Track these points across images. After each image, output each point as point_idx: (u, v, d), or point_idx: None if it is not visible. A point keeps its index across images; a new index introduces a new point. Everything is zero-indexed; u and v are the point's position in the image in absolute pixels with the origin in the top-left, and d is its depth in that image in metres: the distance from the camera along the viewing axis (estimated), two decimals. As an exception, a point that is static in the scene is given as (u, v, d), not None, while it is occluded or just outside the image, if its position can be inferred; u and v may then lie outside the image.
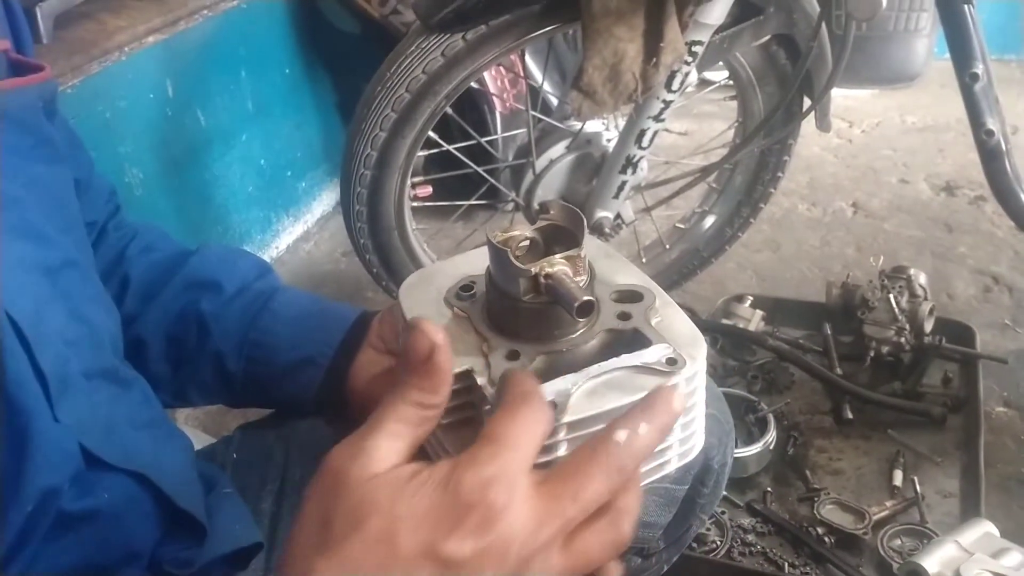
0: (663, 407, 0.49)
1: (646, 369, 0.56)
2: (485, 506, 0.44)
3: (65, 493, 0.59)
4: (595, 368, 0.55)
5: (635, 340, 0.59)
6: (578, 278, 0.56)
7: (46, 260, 0.65)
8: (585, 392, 0.54)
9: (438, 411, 0.50)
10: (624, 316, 0.60)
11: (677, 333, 0.59)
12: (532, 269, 0.55)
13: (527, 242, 0.60)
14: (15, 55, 0.70)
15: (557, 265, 0.55)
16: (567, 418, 0.53)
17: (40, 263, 0.64)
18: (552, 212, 0.60)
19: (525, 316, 0.57)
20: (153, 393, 0.77)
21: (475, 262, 0.64)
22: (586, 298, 0.54)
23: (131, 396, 0.72)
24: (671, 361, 0.56)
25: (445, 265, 0.66)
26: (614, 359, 0.55)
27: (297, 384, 0.83)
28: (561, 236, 0.59)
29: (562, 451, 0.54)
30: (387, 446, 0.48)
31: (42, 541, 0.58)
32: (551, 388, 0.53)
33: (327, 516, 0.46)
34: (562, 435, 0.54)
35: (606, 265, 0.63)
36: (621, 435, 0.48)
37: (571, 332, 0.58)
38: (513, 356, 0.56)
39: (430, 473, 0.46)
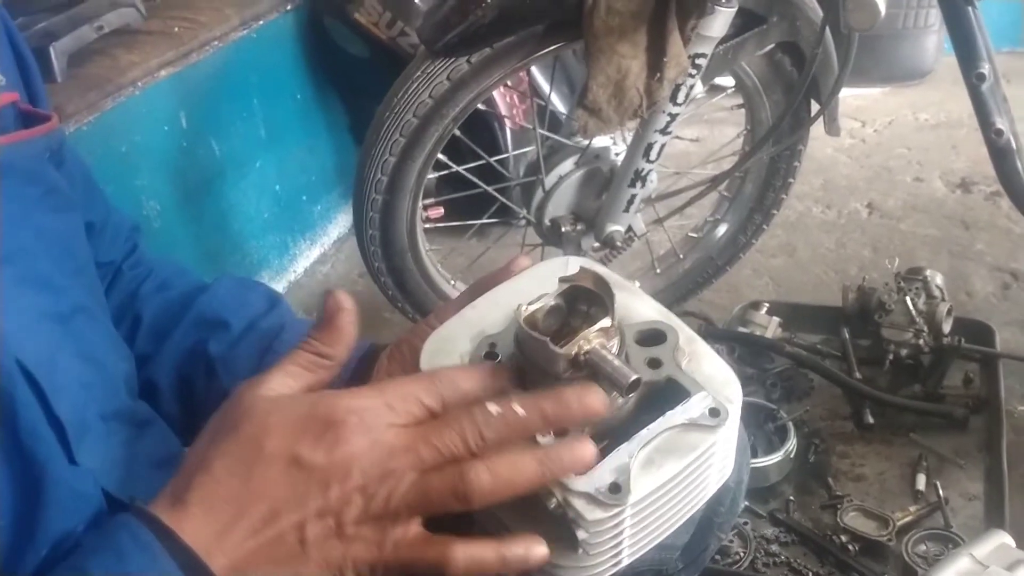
0: (554, 401, 0.54)
1: (692, 426, 0.57)
2: (341, 427, 0.53)
3: (83, 536, 0.60)
4: (644, 433, 0.56)
5: (670, 390, 0.59)
6: (613, 349, 0.57)
7: (57, 308, 0.66)
8: (640, 464, 0.55)
9: (332, 364, 0.59)
10: (654, 363, 0.60)
11: (709, 376, 0.59)
12: (571, 351, 0.55)
13: (551, 307, 0.60)
14: (24, 106, 0.72)
15: (593, 340, 0.56)
16: (632, 498, 0.54)
17: (51, 311, 0.65)
18: (576, 274, 0.60)
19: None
20: (170, 430, 0.78)
21: (489, 316, 0.64)
22: (634, 377, 0.55)
23: (149, 435, 0.73)
24: (714, 412, 0.57)
25: (459, 325, 0.64)
26: (660, 420, 0.57)
27: None
28: (583, 296, 0.60)
29: (628, 536, 0.56)
30: (280, 380, 0.57)
31: None
32: (611, 467, 0.55)
33: (216, 425, 0.56)
34: (627, 516, 0.55)
35: (619, 299, 0.63)
36: (494, 407, 0.54)
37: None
38: (561, 432, 0.56)
39: (309, 396, 0.56)
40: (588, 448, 0.54)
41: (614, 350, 0.57)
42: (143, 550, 0.50)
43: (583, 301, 0.60)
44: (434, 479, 0.54)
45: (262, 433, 0.53)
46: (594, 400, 0.55)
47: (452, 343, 0.63)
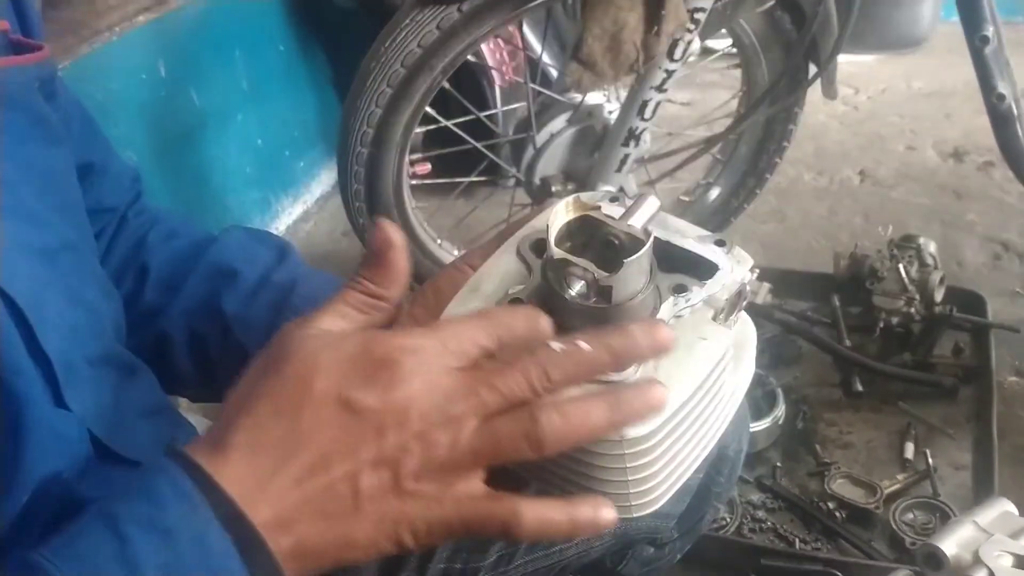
0: (624, 338, 0.50)
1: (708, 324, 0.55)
2: (396, 367, 0.48)
3: (75, 481, 0.58)
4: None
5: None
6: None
7: (43, 242, 0.63)
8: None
9: (387, 305, 0.55)
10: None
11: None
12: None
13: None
14: (15, 36, 0.69)
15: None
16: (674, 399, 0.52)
17: (37, 245, 0.62)
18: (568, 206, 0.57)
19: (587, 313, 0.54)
20: (157, 381, 0.75)
21: (506, 268, 0.60)
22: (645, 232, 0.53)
23: (136, 383, 0.71)
24: (719, 242, 0.57)
25: (482, 280, 0.60)
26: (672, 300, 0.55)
27: None
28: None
29: (669, 455, 0.54)
30: (331, 321, 0.53)
31: (49, 529, 0.55)
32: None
33: (260, 364, 0.51)
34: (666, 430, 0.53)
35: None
36: (557, 344, 0.50)
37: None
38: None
39: (358, 333, 0.51)
40: (660, 392, 0.50)
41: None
42: (181, 499, 0.46)
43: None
44: (502, 424, 0.49)
45: (310, 372, 0.48)
46: (662, 334, 0.51)
47: (474, 294, 0.59)
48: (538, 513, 0.50)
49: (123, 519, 0.46)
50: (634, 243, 0.53)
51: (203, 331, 0.80)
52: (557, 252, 0.53)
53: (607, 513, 0.51)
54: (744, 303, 0.57)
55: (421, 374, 0.48)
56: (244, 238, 0.86)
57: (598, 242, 0.55)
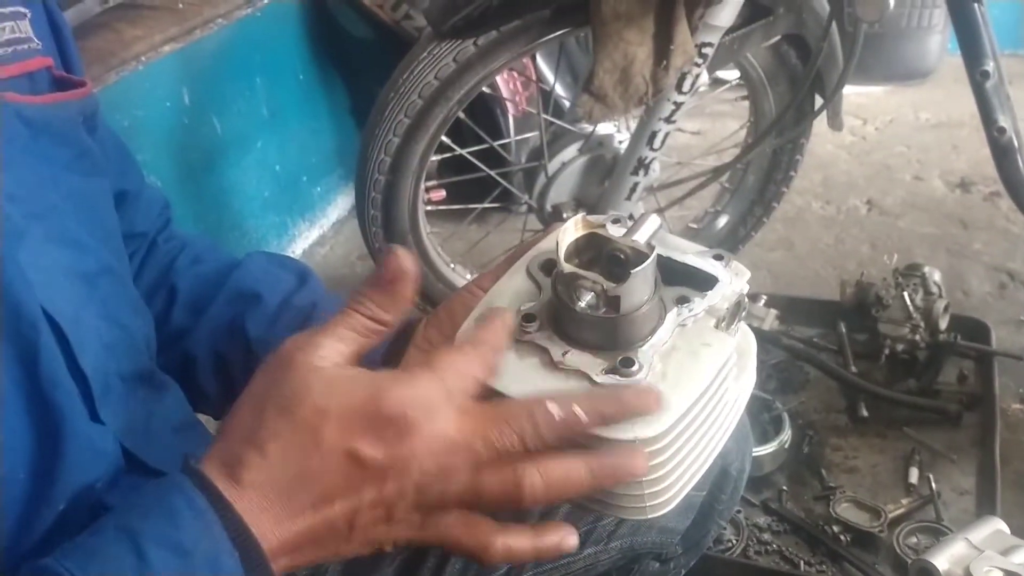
0: (613, 403, 0.54)
1: (709, 332, 0.58)
2: (403, 423, 0.51)
3: (104, 491, 0.60)
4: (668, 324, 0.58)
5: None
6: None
7: (83, 266, 0.67)
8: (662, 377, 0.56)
9: (386, 329, 0.56)
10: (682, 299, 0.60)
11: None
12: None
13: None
14: (59, 72, 0.73)
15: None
16: (679, 404, 0.55)
17: (78, 269, 0.66)
18: (572, 226, 0.60)
19: (611, 325, 0.57)
20: (185, 398, 0.78)
21: (516, 287, 0.63)
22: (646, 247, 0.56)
23: (166, 399, 0.74)
24: (718, 257, 0.60)
25: (494, 300, 0.64)
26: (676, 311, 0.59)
27: None
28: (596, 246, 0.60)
29: (681, 454, 0.58)
30: (332, 345, 0.54)
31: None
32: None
33: (268, 393, 0.53)
34: (677, 429, 0.56)
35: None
36: (555, 409, 0.53)
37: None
38: (628, 363, 0.56)
39: (365, 379, 0.53)
40: (640, 459, 0.54)
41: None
42: (197, 517, 0.49)
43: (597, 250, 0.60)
44: (489, 481, 0.53)
45: (320, 421, 0.51)
46: (651, 399, 0.54)
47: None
48: (507, 542, 0.56)
49: (143, 535, 0.49)
50: (639, 256, 0.57)
51: (227, 352, 0.84)
52: (567, 267, 0.56)
53: (571, 540, 0.57)
54: (744, 312, 0.61)
55: (425, 430, 0.51)
56: (266, 263, 0.90)
57: (605, 257, 0.59)
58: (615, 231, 0.60)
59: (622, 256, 0.58)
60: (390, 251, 0.55)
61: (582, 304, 0.56)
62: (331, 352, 0.54)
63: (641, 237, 0.58)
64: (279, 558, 0.52)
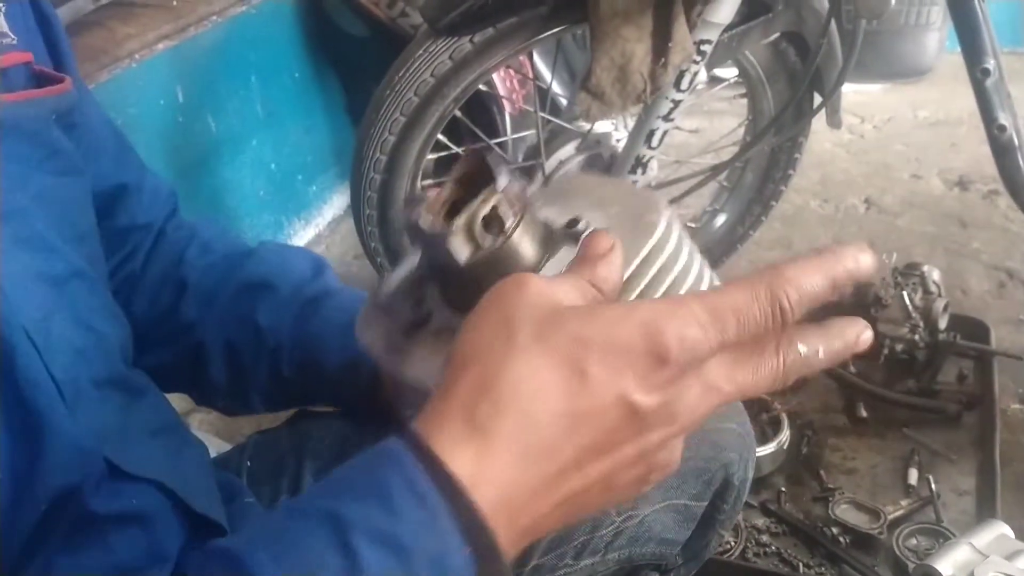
0: (849, 337, 0.50)
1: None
2: (675, 365, 0.43)
3: (90, 495, 0.59)
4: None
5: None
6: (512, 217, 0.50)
7: (52, 270, 0.65)
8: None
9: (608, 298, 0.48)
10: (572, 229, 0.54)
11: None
12: (458, 223, 0.48)
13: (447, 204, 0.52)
14: (38, 67, 0.71)
15: (480, 213, 0.49)
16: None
17: (46, 273, 0.64)
18: (456, 169, 0.53)
19: (473, 278, 0.50)
20: (166, 400, 0.77)
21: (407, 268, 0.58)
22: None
23: (143, 404, 0.72)
24: (572, 222, 0.53)
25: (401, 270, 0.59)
26: None
27: (341, 386, 0.83)
28: (481, 180, 0.51)
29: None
30: (572, 290, 0.46)
31: (66, 542, 0.58)
32: None
33: (502, 319, 0.44)
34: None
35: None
36: (804, 347, 0.48)
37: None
38: (573, 223, 0.52)
39: (629, 308, 0.44)
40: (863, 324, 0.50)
41: (514, 222, 0.50)
42: (419, 504, 0.41)
43: (484, 186, 0.51)
44: (747, 374, 0.47)
45: (584, 354, 0.42)
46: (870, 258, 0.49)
47: (383, 310, 0.58)
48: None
49: (352, 528, 0.41)
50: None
51: (238, 342, 0.83)
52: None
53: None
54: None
55: (695, 374, 0.45)
56: (280, 252, 0.89)
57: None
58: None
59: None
60: (595, 233, 0.49)
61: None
62: (574, 295, 0.46)
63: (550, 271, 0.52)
64: (523, 541, 0.44)
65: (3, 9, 0.68)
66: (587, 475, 0.44)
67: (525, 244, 0.51)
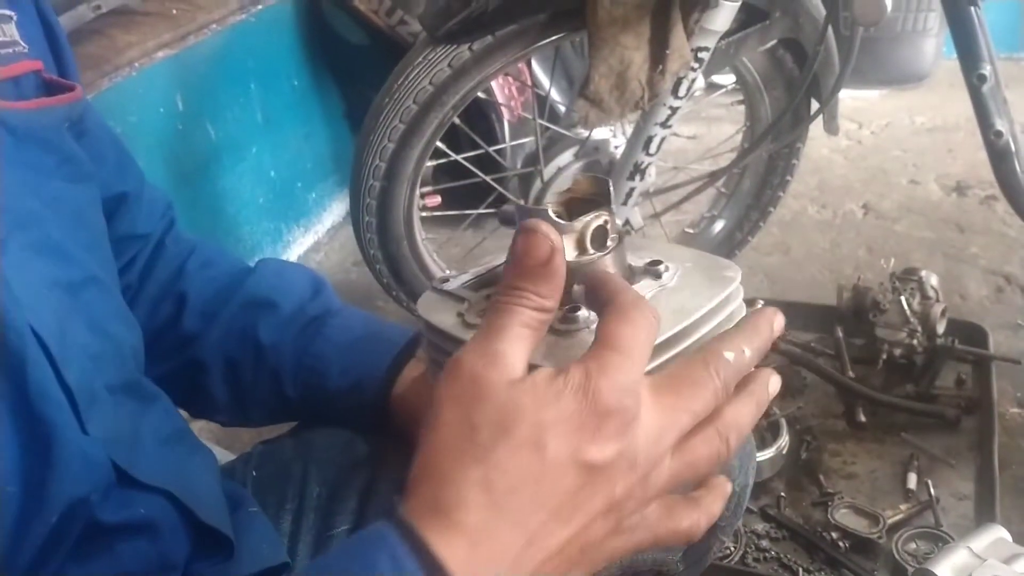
0: (761, 332, 0.52)
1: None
2: (621, 413, 0.46)
3: (97, 505, 0.60)
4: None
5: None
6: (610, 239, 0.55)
7: (67, 276, 0.66)
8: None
9: (551, 315, 0.50)
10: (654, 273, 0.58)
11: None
12: (577, 224, 0.53)
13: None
14: (48, 76, 0.72)
15: (593, 223, 0.54)
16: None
17: (61, 279, 0.65)
18: (574, 186, 0.58)
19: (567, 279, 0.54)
20: (175, 408, 0.77)
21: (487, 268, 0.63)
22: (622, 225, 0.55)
23: (154, 411, 0.73)
24: (654, 262, 0.58)
25: (460, 277, 0.64)
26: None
27: (348, 407, 0.84)
28: (586, 209, 0.56)
29: None
30: (516, 350, 0.48)
31: (75, 552, 0.58)
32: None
33: (471, 422, 0.46)
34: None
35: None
36: (729, 355, 0.50)
37: None
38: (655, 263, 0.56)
39: (566, 380, 0.47)
40: (778, 378, 0.54)
41: (611, 244, 0.55)
42: None
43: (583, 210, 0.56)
44: (697, 450, 0.50)
45: (542, 437, 0.45)
46: (782, 322, 0.53)
47: (449, 295, 0.61)
48: (710, 512, 0.53)
49: None
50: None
51: (238, 358, 0.83)
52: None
53: (727, 488, 0.55)
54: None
55: (639, 415, 0.47)
56: (280, 270, 0.89)
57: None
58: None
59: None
60: (531, 227, 0.49)
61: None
62: (518, 359, 0.48)
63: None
64: None
65: (15, 18, 0.69)
66: (561, 535, 0.47)
67: (615, 265, 0.56)
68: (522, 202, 0.56)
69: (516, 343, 0.48)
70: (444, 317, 0.59)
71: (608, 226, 0.55)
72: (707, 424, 0.50)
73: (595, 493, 0.47)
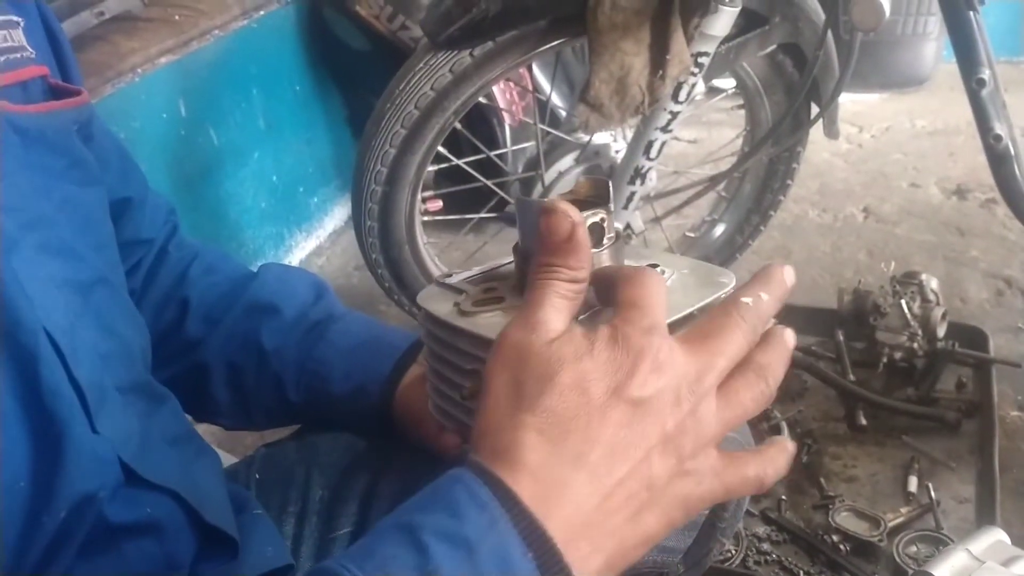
0: (775, 278, 0.54)
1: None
2: (654, 351, 0.49)
3: (105, 503, 0.60)
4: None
5: None
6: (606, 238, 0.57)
7: (78, 277, 0.67)
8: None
9: (585, 285, 0.53)
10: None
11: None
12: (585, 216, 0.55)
13: None
14: (54, 80, 0.73)
15: (590, 220, 0.56)
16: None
17: (72, 280, 0.66)
18: (575, 188, 0.60)
19: None
20: (182, 409, 0.78)
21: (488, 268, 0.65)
22: (619, 226, 0.56)
23: (163, 411, 0.73)
24: (651, 265, 0.60)
25: (462, 274, 0.66)
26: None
27: (351, 411, 0.85)
28: (587, 209, 0.58)
29: None
30: (555, 317, 0.51)
31: (82, 550, 0.58)
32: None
33: (518, 379, 0.49)
34: None
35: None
36: (746, 299, 0.52)
37: None
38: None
39: (597, 334, 0.50)
40: (790, 331, 0.54)
41: (607, 242, 0.57)
42: (481, 509, 0.46)
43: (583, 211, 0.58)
44: (741, 390, 0.51)
45: (583, 381, 0.48)
46: (792, 273, 0.55)
47: (452, 288, 0.63)
48: (775, 463, 0.53)
49: (422, 529, 0.45)
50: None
51: (241, 363, 0.84)
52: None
53: (791, 446, 0.55)
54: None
55: (672, 356, 0.49)
56: (283, 275, 0.90)
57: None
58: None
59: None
60: (552, 208, 0.52)
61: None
62: (558, 324, 0.51)
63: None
64: (579, 542, 0.47)
65: (22, 24, 0.69)
66: (621, 470, 0.48)
67: (611, 262, 0.58)
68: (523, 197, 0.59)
69: (553, 312, 0.51)
70: (441, 306, 0.61)
71: (604, 224, 0.57)
72: (744, 367, 0.52)
73: (646, 427, 0.48)
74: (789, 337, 0.54)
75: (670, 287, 0.59)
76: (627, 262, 0.60)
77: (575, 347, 0.49)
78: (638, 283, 0.51)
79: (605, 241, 0.57)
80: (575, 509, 0.47)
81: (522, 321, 0.51)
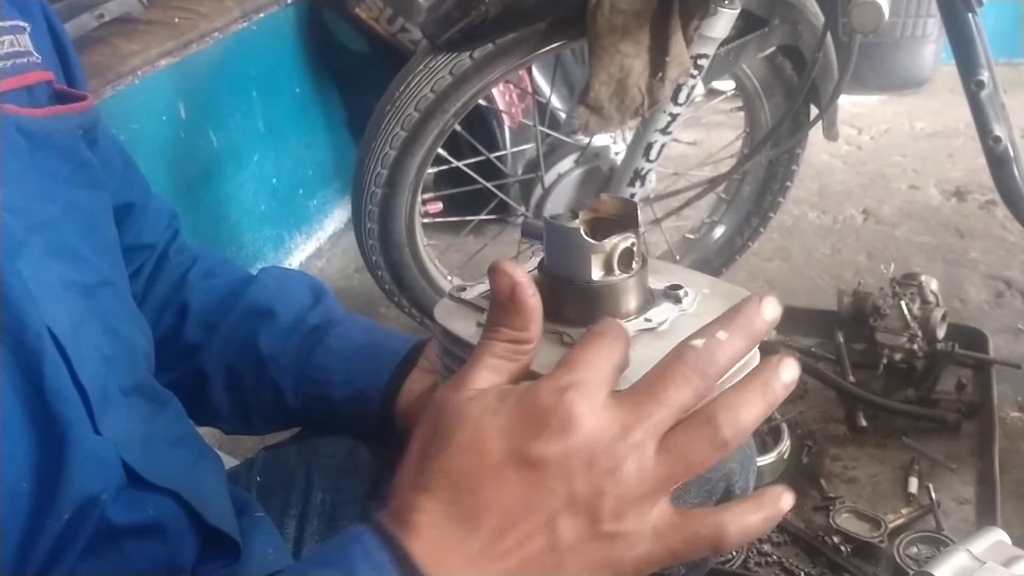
0: (743, 315, 0.49)
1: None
2: (564, 410, 0.46)
3: (108, 504, 0.60)
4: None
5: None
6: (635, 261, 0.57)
7: (82, 279, 0.67)
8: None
9: (531, 346, 0.52)
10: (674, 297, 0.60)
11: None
12: (606, 245, 0.54)
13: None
14: (59, 86, 0.73)
15: (620, 244, 0.55)
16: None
17: (76, 282, 0.66)
18: (600, 205, 0.59)
19: (585, 297, 0.56)
20: (190, 412, 0.78)
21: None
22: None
23: (166, 413, 0.74)
24: (674, 287, 0.59)
25: (476, 287, 0.64)
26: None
27: (351, 416, 0.85)
28: (611, 228, 0.57)
29: None
30: (483, 377, 0.50)
31: (85, 552, 0.59)
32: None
33: (426, 437, 0.49)
34: None
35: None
36: (697, 341, 0.48)
37: (620, 310, 0.57)
38: (676, 287, 0.58)
39: (512, 389, 0.49)
40: (795, 365, 0.49)
41: (636, 267, 0.57)
42: (374, 569, 0.45)
43: (611, 234, 0.57)
44: (683, 439, 0.47)
45: (479, 440, 0.47)
46: (775, 306, 0.50)
47: (466, 303, 0.62)
48: (739, 521, 0.49)
49: None
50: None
51: (239, 368, 0.84)
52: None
53: (788, 499, 0.50)
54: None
55: (591, 409, 0.46)
56: (281, 279, 0.90)
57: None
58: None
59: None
60: (496, 268, 0.51)
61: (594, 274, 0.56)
62: (481, 384, 0.50)
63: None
64: None
65: (28, 29, 0.70)
66: (519, 530, 0.47)
67: (638, 287, 0.58)
68: (548, 216, 0.57)
69: (484, 372, 0.51)
70: (462, 326, 0.60)
71: (635, 249, 0.56)
72: (694, 415, 0.48)
73: (548, 491, 0.46)
74: (785, 373, 0.49)
75: (695, 312, 0.58)
76: (650, 280, 0.59)
77: (482, 406, 0.48)
78: (584, 342, 0.49)
79: (633, 266, 0.56)
80: (468, 572, 0.46)
81: (451, 380, 0.51)
